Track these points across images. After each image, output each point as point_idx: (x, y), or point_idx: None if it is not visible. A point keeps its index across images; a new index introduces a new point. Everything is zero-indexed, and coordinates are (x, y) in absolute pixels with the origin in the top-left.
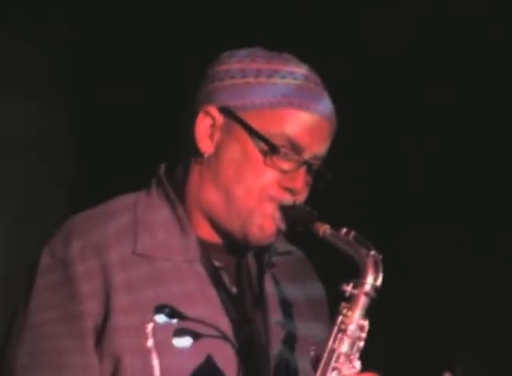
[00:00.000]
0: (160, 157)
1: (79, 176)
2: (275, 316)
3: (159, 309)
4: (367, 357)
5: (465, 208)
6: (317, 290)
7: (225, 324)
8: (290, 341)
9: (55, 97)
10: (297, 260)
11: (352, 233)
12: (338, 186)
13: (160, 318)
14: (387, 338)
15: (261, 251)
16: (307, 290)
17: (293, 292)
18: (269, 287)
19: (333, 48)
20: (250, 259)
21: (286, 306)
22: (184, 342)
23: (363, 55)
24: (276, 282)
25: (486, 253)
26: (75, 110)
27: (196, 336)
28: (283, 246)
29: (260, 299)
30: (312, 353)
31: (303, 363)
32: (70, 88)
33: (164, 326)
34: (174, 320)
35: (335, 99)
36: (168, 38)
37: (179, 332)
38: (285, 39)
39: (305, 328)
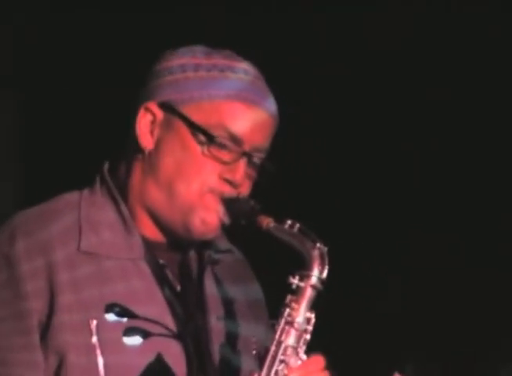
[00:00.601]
0: None
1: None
2: (216, 313)
3: (109, 308)
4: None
5: (462, 213)
6: (256, 291)
7: (171, 322)
8: (232, 339)
9: None
10: (236, 260)
11: (297, 226)
12: (338, 186)
13: (110, 316)
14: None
15: (203, 248)
16: (247, 291)
17: (234, 292)
18: (210, 284)
19: (333, 48)
20: (192, 257)
21: (228, 305)
22: (134, 341)
23: (363, 55)
24: (218, 280)
25: (483, 258)
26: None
27: (145, 334)
28: (224, 244)
29: (200, 296)
30: (255, 352)
31: (244, 361)
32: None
33: (114, 324)
34: (124, 319)
35: (335, 99)
36: (168, 38)
37: (129, 330)
38: (285, 39)
39: (246, 327)
